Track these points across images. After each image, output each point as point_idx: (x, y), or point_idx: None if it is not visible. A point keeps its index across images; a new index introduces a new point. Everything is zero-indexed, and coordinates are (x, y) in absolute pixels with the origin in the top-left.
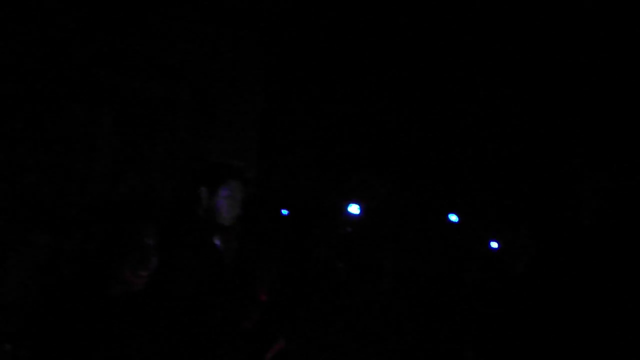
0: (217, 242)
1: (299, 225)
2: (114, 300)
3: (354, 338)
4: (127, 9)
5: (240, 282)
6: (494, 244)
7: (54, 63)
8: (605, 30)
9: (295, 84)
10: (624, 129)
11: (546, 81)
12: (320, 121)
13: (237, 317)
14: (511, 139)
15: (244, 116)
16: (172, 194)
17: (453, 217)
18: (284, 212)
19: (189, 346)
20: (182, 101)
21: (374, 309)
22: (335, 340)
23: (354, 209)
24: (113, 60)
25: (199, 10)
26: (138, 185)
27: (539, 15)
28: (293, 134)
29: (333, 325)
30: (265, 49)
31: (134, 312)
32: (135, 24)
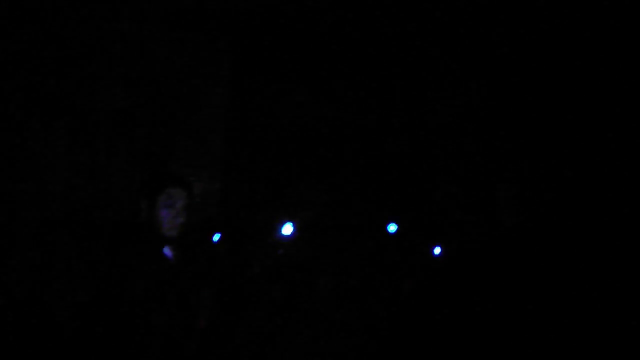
0: (168, 253)
1: (232, 248)
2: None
3: (293, 357)
4: (82, 16)
5: (181, 308)
6: (437, 250)
7: (4, 74)
8: (523, 35)
9: (261, 91)
10: (539, 133)
11: (467, 89)
12: (279, 132)
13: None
14: (442, 146)
15: (207, 126)
16: (128, 208)
17: (392, 228)
18: (216, 237)
19: None
20: (142, 111)
21: (312, 328)
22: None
23: (287, 229)
24: (68, 69)
25: (160, 16)
26: (96, 200)
27: (462, 20)
28: (253, 147)
29: (271, 345)
30: (229, 55)
31: (77, 337)
32: (91, 32)
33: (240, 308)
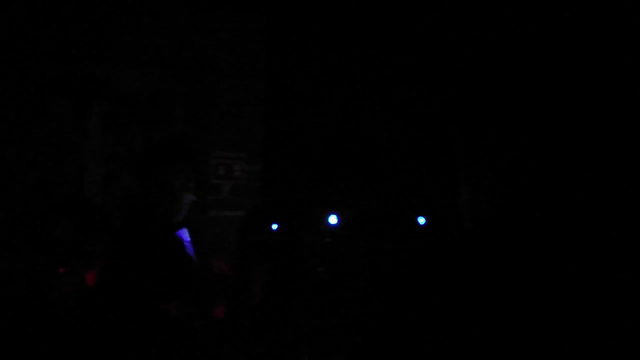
0: (185, 237)
1: (286, 236)
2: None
3: (334, 330)
4: None
5: (239, 285)
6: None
7: (37, 57)
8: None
9: (301, 67)
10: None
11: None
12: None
13: (235, 316)
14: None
15: (246, 104)
16: None
17: (422, 220)
18: (274, 226)
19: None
20: (177, 91)
21: (353, 306)
22: (320, 331)
23: (332, 219)
24: (101, 51)
25: None
26: (132, 185)
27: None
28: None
29: (317, 319)
30: (267, 31)
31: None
32: (124, 11)
33: (290, 285)
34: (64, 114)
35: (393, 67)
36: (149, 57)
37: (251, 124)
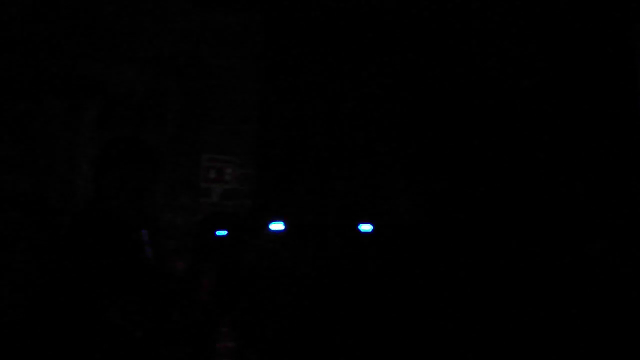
0: (145, 237)
1: (234, 240)
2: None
3: (279, 330)
4: None
5: (187, 286)
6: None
7: (30, 55)
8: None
9: (295, 71)
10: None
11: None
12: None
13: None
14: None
15: (239, 108)
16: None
17: (365, 227)
18: (222, 232)
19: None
20: (170, 93)
21: (294, 307)
22: (263, 331)
23: (277, 226)
24: (95, 50)
25: None
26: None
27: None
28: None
29: (261, 319)
30: (262, 33)
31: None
32: (119, 10)
33: (237, 286)
34: (57, 112)
35: (347, 75)
36: (143, 56)
37: (244, 128)
